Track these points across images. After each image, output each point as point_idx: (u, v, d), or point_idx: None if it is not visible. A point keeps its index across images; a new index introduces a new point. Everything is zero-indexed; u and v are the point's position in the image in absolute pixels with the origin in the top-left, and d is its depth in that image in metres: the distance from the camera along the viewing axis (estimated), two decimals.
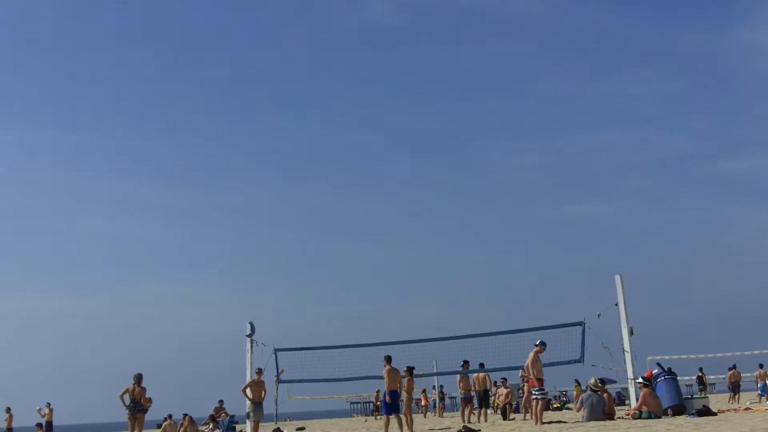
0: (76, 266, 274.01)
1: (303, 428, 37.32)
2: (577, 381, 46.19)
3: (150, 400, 23.24)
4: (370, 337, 34.96)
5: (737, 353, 41.98)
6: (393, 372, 23.60)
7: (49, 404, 34.60)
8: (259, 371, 27.12)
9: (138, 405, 22.54)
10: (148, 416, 23.51)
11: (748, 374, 45.58)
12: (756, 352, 42.03)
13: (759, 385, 42.58)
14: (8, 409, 35.06)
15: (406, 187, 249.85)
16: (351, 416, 76.39)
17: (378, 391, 58.87)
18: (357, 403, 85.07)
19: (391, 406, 23.71)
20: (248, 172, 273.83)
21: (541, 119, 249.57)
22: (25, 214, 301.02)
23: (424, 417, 47.57)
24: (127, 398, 22.70)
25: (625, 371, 26.11)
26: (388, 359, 23.88)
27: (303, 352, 30.94)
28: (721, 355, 42.60)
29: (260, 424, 26.96)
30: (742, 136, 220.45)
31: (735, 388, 43.19)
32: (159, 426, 35.33)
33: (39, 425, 34.40)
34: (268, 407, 29.70)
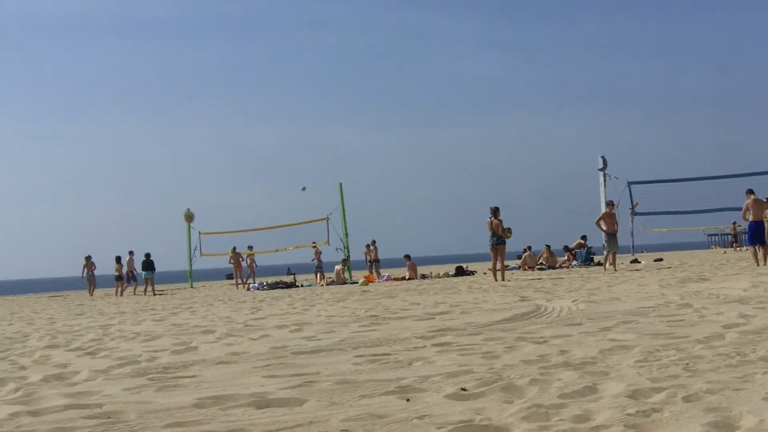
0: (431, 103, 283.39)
1: (660, 259, 36.88)
2: None
3: (509, 231, 23.90)
4: (731, 168, 33.35)
5: None
6: (757, 203, 22.70)
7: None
8: (611, 204, 26.97)
9: (497, 237, 23.31)
10: (509, 247, 24.19)
11: None
12: None
13: None
14: (374, 242, 37.50)
15: None
16: (708, 248, 74.25)
17: (734, 223, 56.60)
18: (714, 235, 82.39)
19: (754, 237, 22.92)
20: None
21: None
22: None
23: None
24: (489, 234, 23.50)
25: None
26: (751, 191, 22.99)
27: (658, 184, 30.39)
28: None
29: (617, 255, 26.96)
30: None
31: None
32: (519, 257, 36.40)
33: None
34: (624, 239, 29.67)
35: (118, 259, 33.52)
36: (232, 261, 35.12)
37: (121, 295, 32.18)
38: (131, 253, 34.27)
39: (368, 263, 35.51)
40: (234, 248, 35.06)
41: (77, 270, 35.26)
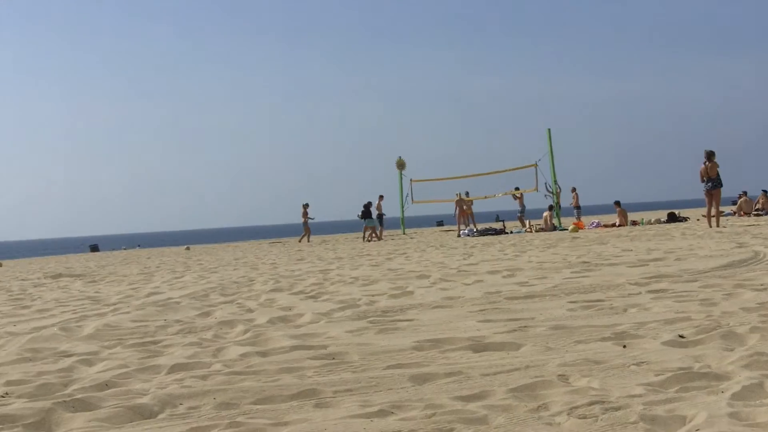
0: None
1: None
2: None
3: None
4: None
5: None
6: None
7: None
8: None
9: (713, 181, 22.51)
10: (723, 192, 23.33)
11: None
12: None
13: None
14: (574, 189, 36.87)
15: None
16: None
17: None
18: None
19: None
20: None
21: None
22: None
23: None
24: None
25: None
26: None
27: None
28: None
29: None
30: None
31: None
32: (734, 203, 35.08)
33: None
34: None
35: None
36: (457, 207, 35.36)
37: (380, 238, 32.90)
38: (381, 197, 35.18)
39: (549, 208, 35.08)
40: (459, 194, 35.31)
41: (290, 217, 36.51)
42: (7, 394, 4.80)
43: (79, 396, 4.56)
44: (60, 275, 18.89)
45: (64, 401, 4.41)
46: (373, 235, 32.93)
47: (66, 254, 49.21)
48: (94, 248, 52.94)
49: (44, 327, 8.04)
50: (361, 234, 34.09)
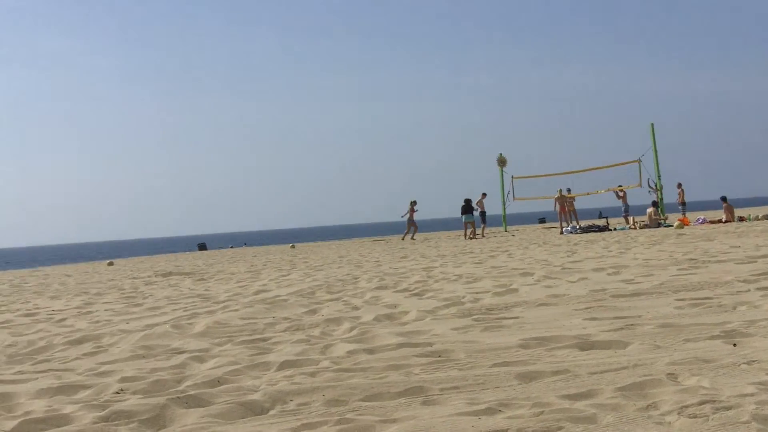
0: None
1: None
2: None
3: None
4: None
5: None
6: None
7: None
8: None
9: None
10: None
11: None
12: None
13: None
14: (679, 185, 35.98)
15: None
16: None
17: None
18: None
19: None
20: None
21: None
22: None
23: None
24: None
25: None
26: None
27: None
28: None
29: None
30: None
31: None
32: None
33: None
34: None
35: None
36: (557, 203, 34.93)
37: (482, 235, 32.92)
38: (483, 195, 35.16)
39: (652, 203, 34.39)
40: (560, 190, 34.95)
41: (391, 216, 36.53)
42: (122, 390, 4.99)
43: (192, 392, 4.70)
44: (170, 273, 19.38)
45: (178, 397, 4.56)
46: (475, 232, 32.81)
47: (175, 253, 50.34)
48: (202, 247, 53.91)
49: (156, 324, 8.29)
50: (462, 231, 34.00)
